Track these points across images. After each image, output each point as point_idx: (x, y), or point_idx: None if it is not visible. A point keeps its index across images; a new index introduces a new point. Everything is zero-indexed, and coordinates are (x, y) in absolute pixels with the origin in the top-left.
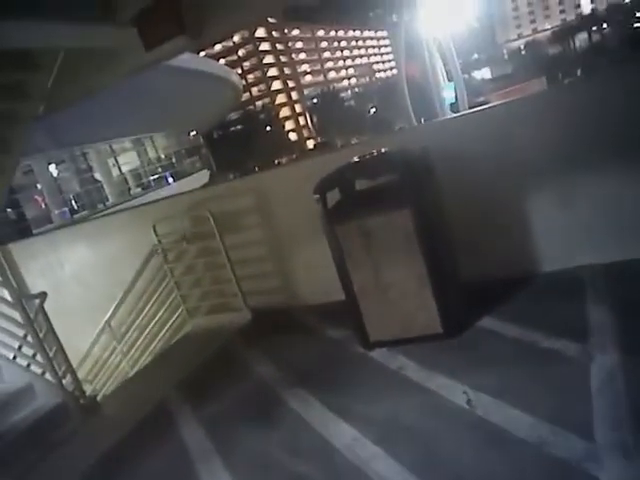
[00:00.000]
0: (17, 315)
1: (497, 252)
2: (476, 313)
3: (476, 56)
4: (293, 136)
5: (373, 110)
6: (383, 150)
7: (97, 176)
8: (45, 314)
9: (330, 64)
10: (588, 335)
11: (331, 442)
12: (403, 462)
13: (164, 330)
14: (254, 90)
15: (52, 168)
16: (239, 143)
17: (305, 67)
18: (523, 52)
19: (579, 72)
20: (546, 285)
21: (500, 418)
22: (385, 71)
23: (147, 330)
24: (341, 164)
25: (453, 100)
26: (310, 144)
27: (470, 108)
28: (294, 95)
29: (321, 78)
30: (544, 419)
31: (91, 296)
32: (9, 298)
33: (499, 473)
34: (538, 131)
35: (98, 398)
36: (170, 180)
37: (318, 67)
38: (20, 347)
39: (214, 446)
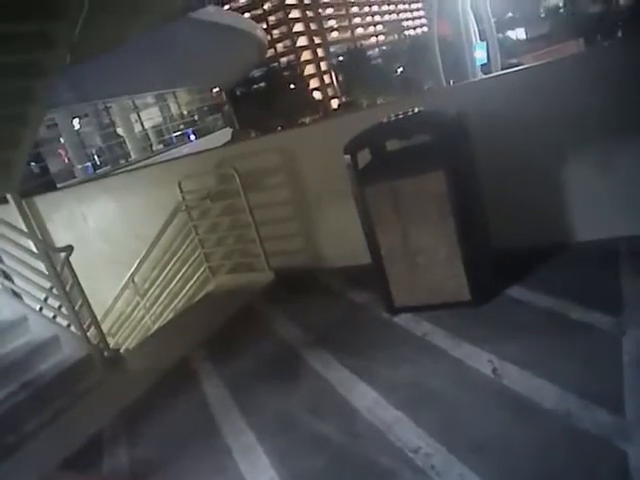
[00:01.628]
0: (43, 267)
1: (531, 220)
2: (506, 281)
3: (511, 14)
4: (317, 95)
5: (400, 69)
6: (417, 110)
7: (119, 131)
8: (71, 267)
9: (358, 20)
10: (621, 308)
11: (352, 404)
12: (424, 427)
13: (187, 287)
14: (279, 46)
15: (75, 122)
16: (262, 101)
17: (332, 23)
18: (561, 10)
19: (620, 33)
20: (580, 255)
21: (526, 388)
22: (414, 29)
23: (170, 286)
24: (372, 123)
25: (485, 61)
26: (334, 103)
27: (503, 69)
28: (320, 52)
29: (348, 35)
30: (572, 391)
31: (115, 250)
32: (34, 250)
33: (523, 444)
34: (575, 95)
35: (121, 351)
36: (192, 137)
37: (345, 23)
38: (46, 299)
39: (236, 404)
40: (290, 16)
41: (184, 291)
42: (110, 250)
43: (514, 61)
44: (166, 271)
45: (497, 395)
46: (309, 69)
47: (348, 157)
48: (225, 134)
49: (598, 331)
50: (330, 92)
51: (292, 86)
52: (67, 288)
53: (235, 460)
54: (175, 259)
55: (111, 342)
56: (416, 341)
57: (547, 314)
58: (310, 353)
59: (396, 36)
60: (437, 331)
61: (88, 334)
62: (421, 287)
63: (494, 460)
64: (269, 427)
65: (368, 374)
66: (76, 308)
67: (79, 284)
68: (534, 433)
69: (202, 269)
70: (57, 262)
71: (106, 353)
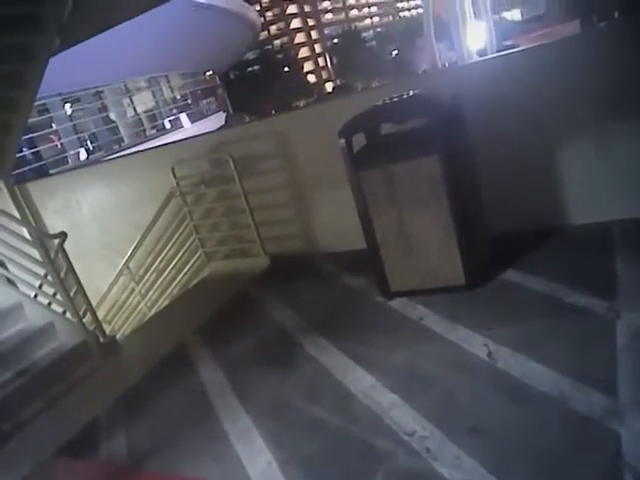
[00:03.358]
0: (37, 254)
1: (526, 203)
2: (501, 265)
3: None
4: (312, 78)
5: (395, 52)
6: (411, 93)
7: (112, 116)
8: (65, 254)
9: (352, 1)
10: (616, 292)
11: (348, 388)
12: (420, 411)
13: (182, 273)
14: (272, 28)
15: (67, 107)
16: (256, 84)
17: (326, 4)
18: None
19: (616, 14)
20: (575, 239)
21: (521, 371)
22: (409, 10)
23: (165, 273)
24: (366, 107)
25: (482, 45)
26: (329, 87)
27: (498, 51)
28: (314, 34)
29: (342, 16)
30: (566, 374)
31: (109, 237)
32: (28, 237)
33: (517, 426)
34: (571, 77)
35: (117, 338)
36: (186, 122)
37: (340, 4)
38: (41, 286)
39: (233, 389)
40: None
41: (179, 277)
42: (104, 236)
43: (509, 43)
44: (161, 257)
45: (492, 378)
46: (303, 52)
47: (343, 141)
48: (219, 118)
49: (593, 314)
50: (324, 75)
51: (286, 69)
52: (61, 275)
53: (232, 444)
54: (170, 245)
55: (107, 329)
56: (411, 325)
57: (542, 298)
58: (306, 338)
59: (391, 17)
60: (432, 315)
61: (84, 321)
62: (416, 271)
63: (489, 443)
64: (266, 412)
65: (364, 358)
66: (71, 295)
67: (73, 271)
68: (529, 416)
69: (197, 255)
70: (51, 249)
71: (102, 339)
